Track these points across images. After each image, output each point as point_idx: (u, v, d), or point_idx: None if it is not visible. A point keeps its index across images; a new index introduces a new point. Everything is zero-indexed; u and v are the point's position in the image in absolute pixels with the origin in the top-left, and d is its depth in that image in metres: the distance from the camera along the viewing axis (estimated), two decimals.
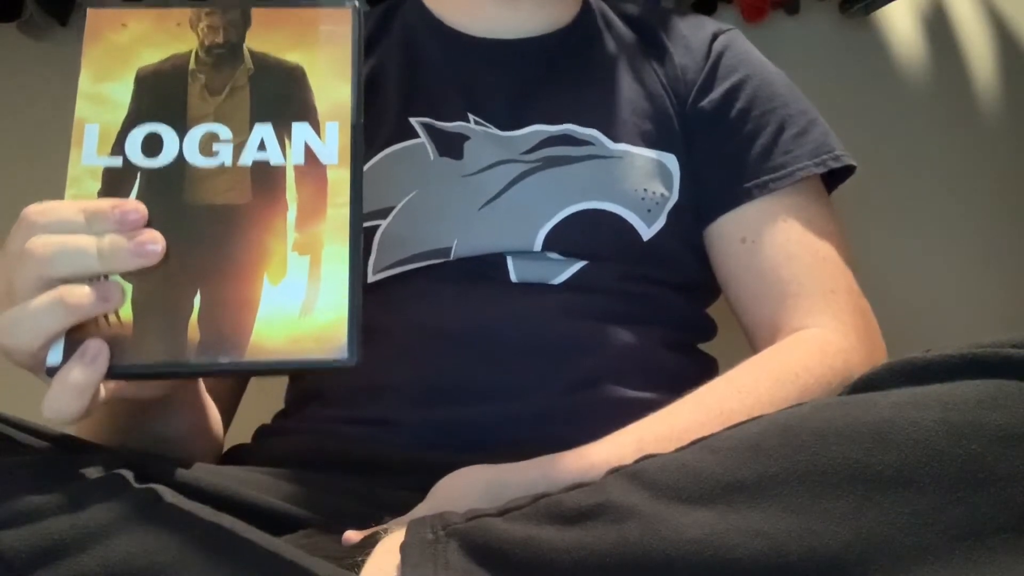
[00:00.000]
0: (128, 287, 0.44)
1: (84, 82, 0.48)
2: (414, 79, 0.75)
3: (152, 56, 0.49)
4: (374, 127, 0.71)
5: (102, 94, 0.48)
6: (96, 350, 0.43)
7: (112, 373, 0.44)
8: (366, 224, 0.66)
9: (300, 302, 0.44)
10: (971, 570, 0.35)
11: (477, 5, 0.75)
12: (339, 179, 0.47)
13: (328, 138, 0.48)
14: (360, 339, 0.44)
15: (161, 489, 0.44)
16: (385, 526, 0.48)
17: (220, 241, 0.46)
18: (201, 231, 0.46)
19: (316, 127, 0.48)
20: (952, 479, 0.37)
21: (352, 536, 0.49)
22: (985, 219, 1.28)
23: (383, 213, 0.68)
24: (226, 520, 0.44)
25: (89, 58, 0.48)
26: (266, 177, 0.47)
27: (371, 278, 0.68)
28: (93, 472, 0.44)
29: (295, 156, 0.47)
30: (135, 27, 0.49)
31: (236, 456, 0.67)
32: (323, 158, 0.47)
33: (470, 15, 0.76)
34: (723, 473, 0.40)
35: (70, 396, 0.43)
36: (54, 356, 0.44)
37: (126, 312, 0.44)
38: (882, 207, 1.25)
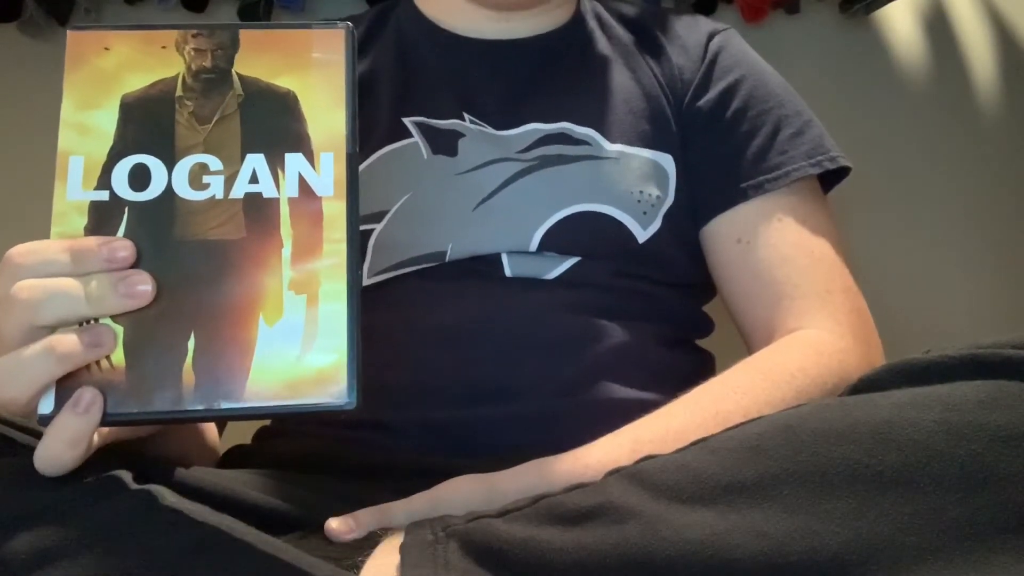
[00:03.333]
0: (119, 329, 0.43)
1: (67, 110, 0.46)
2: (407, 80, 0.74)
3: (137, 81, 0.46)
4: (367, 129, 0.70)
5: (86, 123, 0.46)
6: (90, 400, 0.42)
7: (106, 421, 0.42)
8: (360, 228, 0.66)
9: (298, 344, 0.43)
10: (971, 570, 0.35)
11: (469, 11, 0.75)
12: (335, 212, 0.45)
13: (323, 169, 0.46)
14: (361, 380, 0.43)
15: (159, 490, 0.44)
16: (378, 507, 0.48)
17: (214, 279, 0.44)
18: (193, 268, 0.44)
19: (310, 158, 0.46)
20: (952, 479, 0.37)
21: (334, 524, 0.49)
22: (985, 219, 1.28)
23: (377, 217, 0.68)
24: (225, 521, 0.43)
25: (71, 84, 0.46)
26: (259, 211, 0.45)
27: (365, 282, 0.67)
28: (91, 473, 0.44)
29: (289, 188, 0.45)
30: (119, 50, 0.46)
31: (236, 457, 0.67)
32: (318, 190, 0.45)
33: (463, 19, 0.76)
34: (723, 473, 0.40)
35: (64, 447, 0.42)
36: (46, 405, 0.42)
37: (118, 356, 0.43)
38: (882, 206, 1.26)
